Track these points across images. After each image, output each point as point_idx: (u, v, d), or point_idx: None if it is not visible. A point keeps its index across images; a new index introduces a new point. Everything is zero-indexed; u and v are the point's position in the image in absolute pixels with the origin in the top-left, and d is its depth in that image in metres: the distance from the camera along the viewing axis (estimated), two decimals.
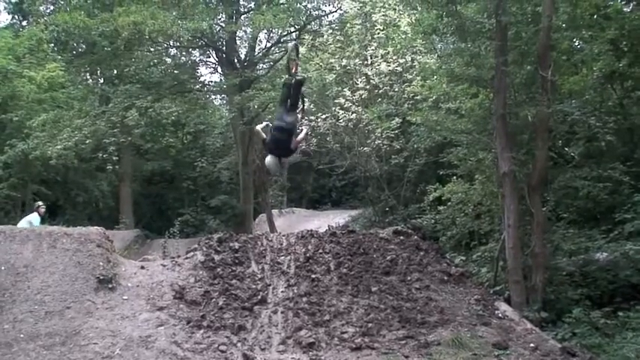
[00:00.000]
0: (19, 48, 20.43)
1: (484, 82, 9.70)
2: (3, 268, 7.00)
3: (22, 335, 6.23)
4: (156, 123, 19.81)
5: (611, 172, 9.18)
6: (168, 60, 21.24)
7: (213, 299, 7.13)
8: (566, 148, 10.65)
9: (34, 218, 11.18)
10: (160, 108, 16.99)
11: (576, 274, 9.02)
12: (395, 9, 13.72)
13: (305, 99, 7.57)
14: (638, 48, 10.09)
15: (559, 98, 9.63)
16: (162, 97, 17.82)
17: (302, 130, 7.36)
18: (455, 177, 12.32)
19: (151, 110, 16.83)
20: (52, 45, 21.12)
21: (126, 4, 16.46)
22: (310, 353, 6.32)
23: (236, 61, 19.50)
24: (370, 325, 6.76)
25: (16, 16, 25.29)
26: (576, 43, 10.44)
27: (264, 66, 20.89)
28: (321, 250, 8.31)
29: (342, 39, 14.88)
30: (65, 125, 17.09)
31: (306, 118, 7.67)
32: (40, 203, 12.05)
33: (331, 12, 19.07)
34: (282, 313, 7.04)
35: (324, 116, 13.78)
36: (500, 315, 7.34)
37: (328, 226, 10.74)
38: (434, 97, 11.89)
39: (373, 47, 14.13)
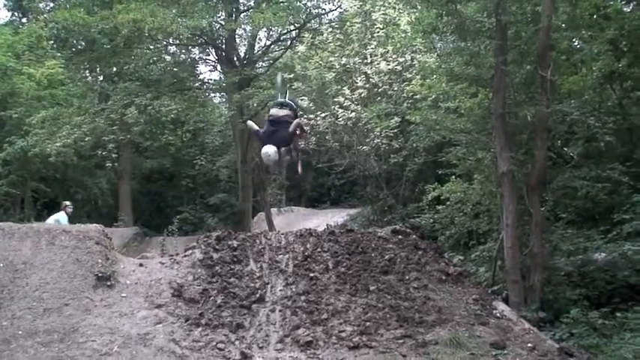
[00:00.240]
0: (18, 45, 20.38)
1: (483, 81, 9.70)
2: (2, 264, 7.01)
3: (20, 332, 6.24)
4: (155, 121, 19.79)
5: (610, 173, 9.17)
6: (168, 58, 21.18)
7: (212, 297, 7.13)
8: (565, 148, 10.63)
9: (61, 217, 11.30)
10: (160, 106, 16.96)
11: (574, 275, 9.01)
12: (395, 7, 13.71)
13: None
14: (638, 48, 10.09)
15: (558, 98, 9.61)
16: (161, 95, 17.78)
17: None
18: (454, 176, 12.32)
19: (150, 108, 16.80)
20: (52, 42, 21.05)
21: (125, 1, 16.42)
22: (308, 352, 6.33)
23: (235, 59, 19.46)
24: (368, 324, 6.77)
25: (16, 13, 25.24)
26: (576, 43, 10.43)
27: (264, 64, 20.86)
28: (319, 249, 8.32)
29: (342, 37, 14.88)
30: (64, 122, 17.06)
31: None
32: (68, 203, 12.18)
33: (331, 10, 19.04)
34: (280, 311, 7.04)
35: (323, 115, 13.78)
36: (498, 315, 7.36)
37: (327, 224, 10.73)
38: (433, 96, 11.89)
39: (373, 46, 14.12)
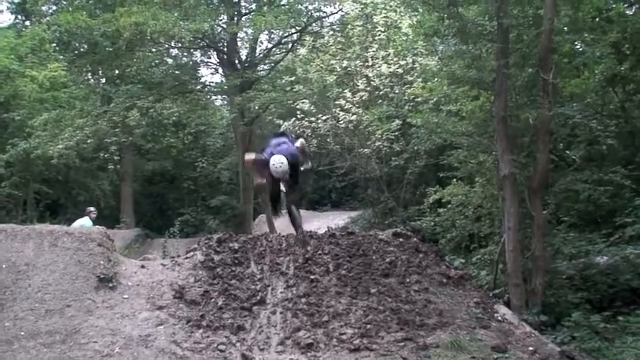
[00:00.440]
0: (21, 48, 20.52)
1: (485, 84, 9.69)
2: (4, 266, 7.01)
3: (22, 333, 6.24)
4: (157, 123, 19.84)
5: (612, 176, 9.16)
6: (170, 61, 21.27)
7: (213, 299, 7.13)
8: (567, 151, 10.62)
9: (86, 222, 11.43)
10: (161, 108, 17.03)
11: (576, 278, 8.98)
12: (396, 11, 13.73)
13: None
14: None
15: (560, 101, 9.60)
16: (163, 98, 17.85)
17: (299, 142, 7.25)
18: (455, 179, 12.30)
19: (152, 110, 16.87)
20: (54, 45, 21.16)
21: (127, 4, 16.50)
22: (309, 354, 6.32)
23: (237, 62, 19.51)
24: (369, 326, 6.76)
25: (19, 16, 25.40)
26: (578, 46, 10.41)
27: (265, 67, 20.93)
28: (320, 252, 8.31)
29: (343, 40, 14.90)
30: (67, 125, 17.14)
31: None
32: (92, 208, 12.41)
33: (332, 13, 19.08)
34: (280, 313, 7.04)
35: (324, 117, 13.79)
36: (499, 318, 7.34)
37: (328, 227, 10.72)
38: (434, 99, 11.88)
39: (374, 49, 14.13)
